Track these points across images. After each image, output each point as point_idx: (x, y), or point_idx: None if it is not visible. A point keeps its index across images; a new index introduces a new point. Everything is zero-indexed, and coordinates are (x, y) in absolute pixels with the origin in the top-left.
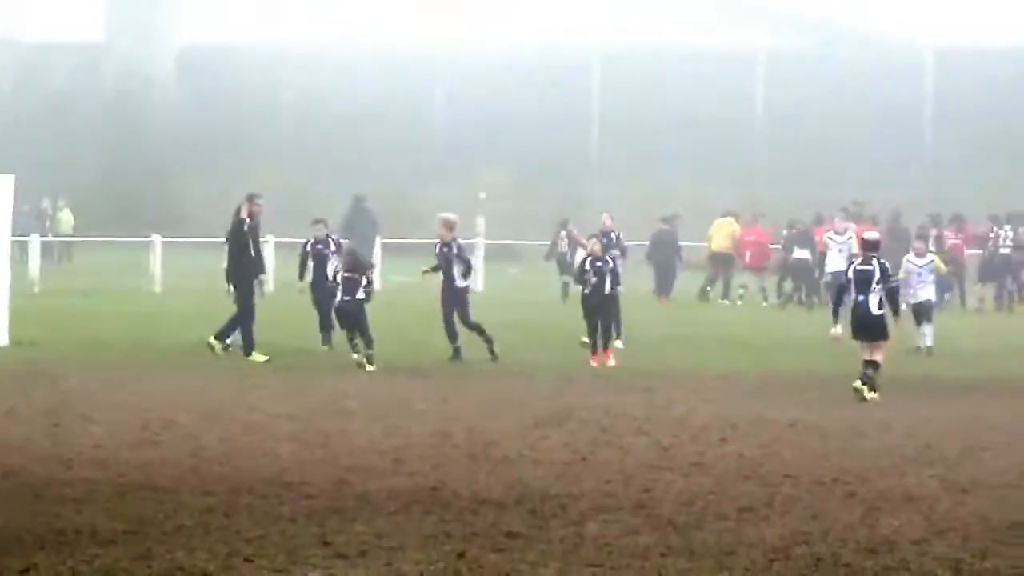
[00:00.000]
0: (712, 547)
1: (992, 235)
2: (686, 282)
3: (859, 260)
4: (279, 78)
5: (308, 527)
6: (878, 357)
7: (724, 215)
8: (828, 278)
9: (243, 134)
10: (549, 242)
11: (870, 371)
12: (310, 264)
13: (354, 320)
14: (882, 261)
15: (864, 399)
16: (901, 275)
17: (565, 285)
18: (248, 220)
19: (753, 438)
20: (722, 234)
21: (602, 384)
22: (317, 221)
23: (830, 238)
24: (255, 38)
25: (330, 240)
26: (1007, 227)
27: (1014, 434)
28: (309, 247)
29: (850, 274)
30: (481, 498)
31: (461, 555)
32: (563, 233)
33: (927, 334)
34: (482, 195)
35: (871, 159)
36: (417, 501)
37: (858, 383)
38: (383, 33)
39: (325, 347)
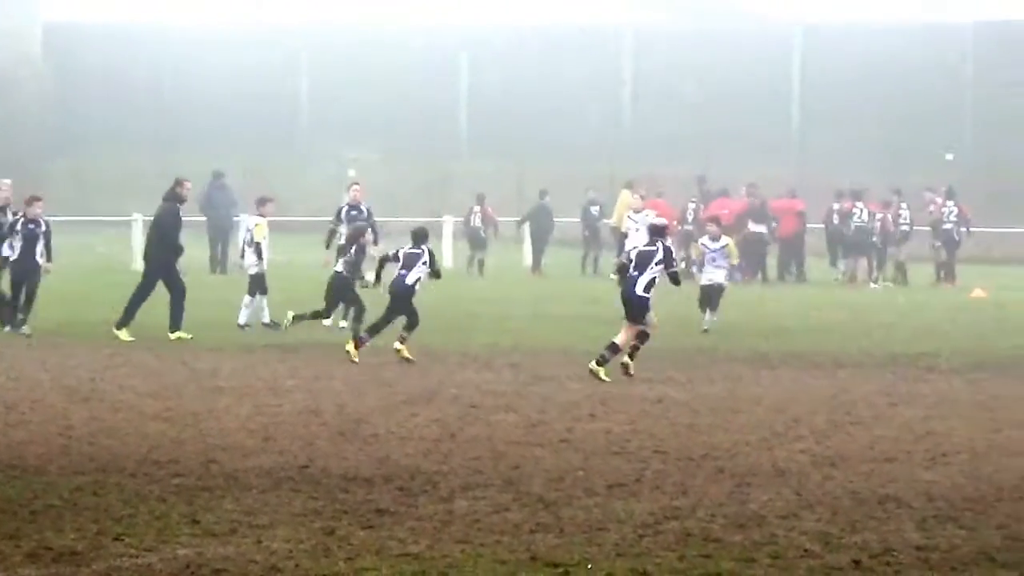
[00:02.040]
0: (582, 523)
1: (837, 210)
2: (558, 257)
3: (645, 242)
4: (137, 55)
5: (177, 505)
6: (623, 337)
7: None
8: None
9: (109, 112)
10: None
11: (607, 353)
12: (17, 243)
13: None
14: (667, 244)
15: (601, 378)
16: (693, 255)
17: (480, 263)
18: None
19: (622, 414)
20: (619, 207)
21: (470, 362)
22: (32, 200)
23: (630, 217)
24: (124, 16)
25: (41, 221)
26: (951, 203)
27: (880, 408)
28: (19, 226)
29: (632, 255)
30: (350, 475)
31: (330, 532)
32: (476, 209)
33: (708, 318)
34: (351, 172)
35: (741, 136)
36: (287, 479)
37: (593, 364)
38: (256, 8)
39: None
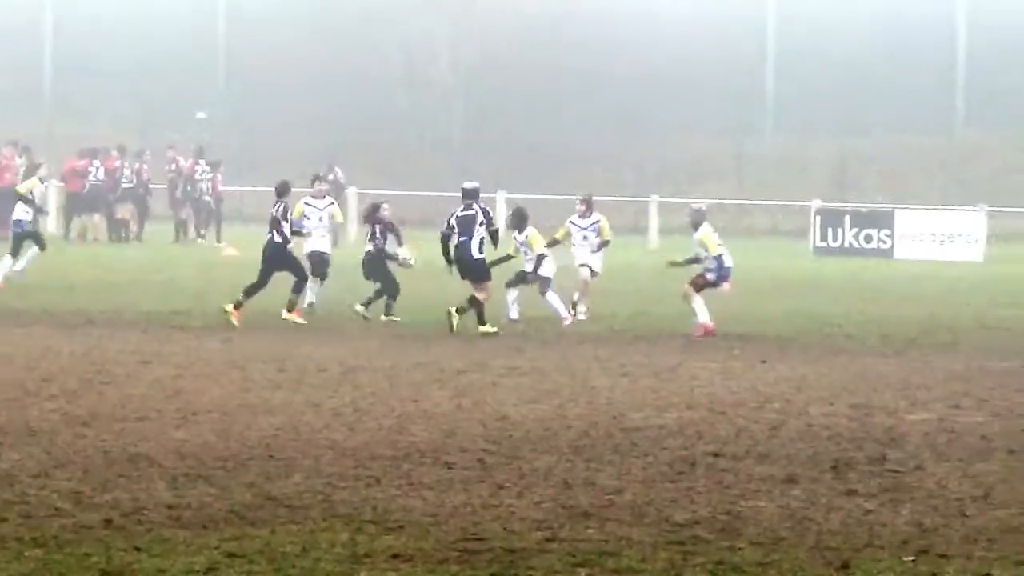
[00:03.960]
0: None
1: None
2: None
3: (460, 208)
4: None
5: None
6: (481, 296)
7: None
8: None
9: None
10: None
11: (469, 306)
12: None
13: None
14: (483, 207)
15: (452, 328)
16: (559, 235)
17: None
18: None
19: None
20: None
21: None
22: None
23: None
24: None
25: None
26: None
27: (131, 366)
28: None
29: (453, 221)
30: None
31: None
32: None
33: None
34: (201, 114)
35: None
36: None
37: (454, 312)
38: None
39: None
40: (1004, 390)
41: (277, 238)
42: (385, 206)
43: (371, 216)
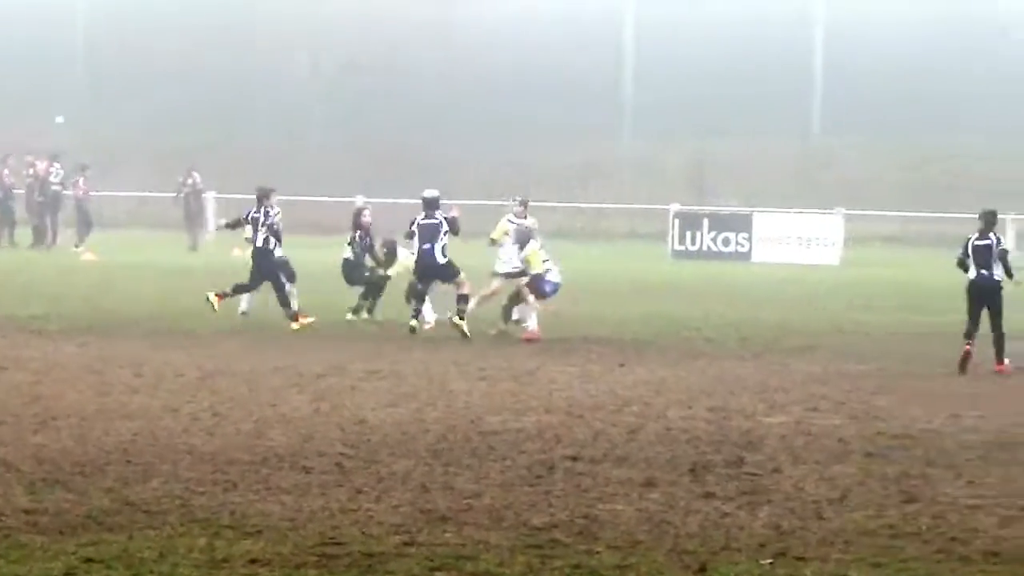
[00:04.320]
0: None
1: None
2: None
3: (422, 215)
4: None
5: None
6: (465, 291)
7: None
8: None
9: None
10: None
11: (463, 304)
12: None
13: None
14: (446, 216)
15: (464, 335)
16: (495, 235)
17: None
18: None
19: None
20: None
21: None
22: None
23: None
24: None
25: None
26: (57, 164)
27: None
28: None
29: (414, 227)
30: None
31: None
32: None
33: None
34: (59, 119)
35: None
36: None
37: (455, 318)
38: None
39: None
40: (860, 393)
41: (260, 243)
42: (366, 212)
43: (355, 221)
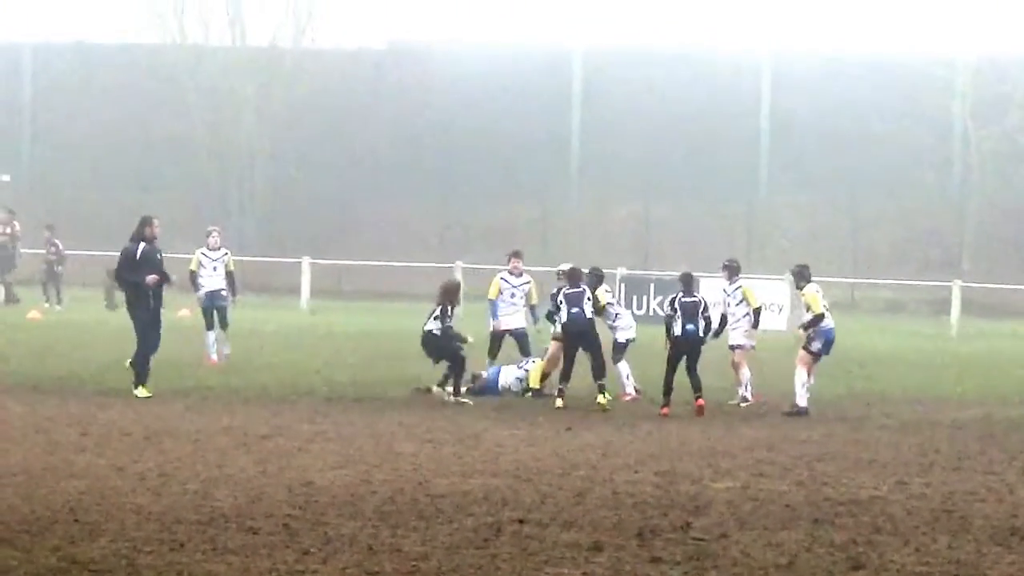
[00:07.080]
0: None
1: None
2: None
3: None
4: None
5: None
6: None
7: None
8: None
9: None
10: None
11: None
12: None
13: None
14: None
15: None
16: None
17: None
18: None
19: None
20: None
21: None
22: None
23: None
24: None
25: None
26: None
27: None
28: None
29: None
30: None
31: None
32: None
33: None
34: (4, 177)
35: None
36: None
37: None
38: None
39: None
40: (807, 459)
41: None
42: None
43: (448, 296)
